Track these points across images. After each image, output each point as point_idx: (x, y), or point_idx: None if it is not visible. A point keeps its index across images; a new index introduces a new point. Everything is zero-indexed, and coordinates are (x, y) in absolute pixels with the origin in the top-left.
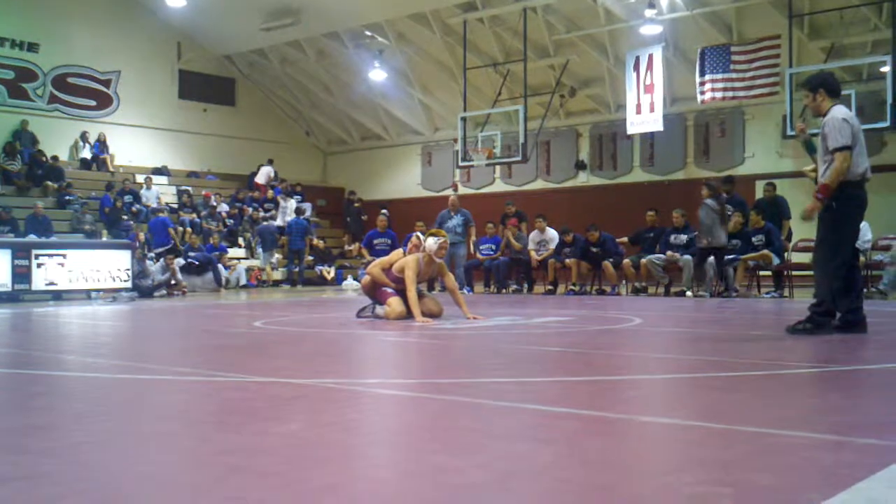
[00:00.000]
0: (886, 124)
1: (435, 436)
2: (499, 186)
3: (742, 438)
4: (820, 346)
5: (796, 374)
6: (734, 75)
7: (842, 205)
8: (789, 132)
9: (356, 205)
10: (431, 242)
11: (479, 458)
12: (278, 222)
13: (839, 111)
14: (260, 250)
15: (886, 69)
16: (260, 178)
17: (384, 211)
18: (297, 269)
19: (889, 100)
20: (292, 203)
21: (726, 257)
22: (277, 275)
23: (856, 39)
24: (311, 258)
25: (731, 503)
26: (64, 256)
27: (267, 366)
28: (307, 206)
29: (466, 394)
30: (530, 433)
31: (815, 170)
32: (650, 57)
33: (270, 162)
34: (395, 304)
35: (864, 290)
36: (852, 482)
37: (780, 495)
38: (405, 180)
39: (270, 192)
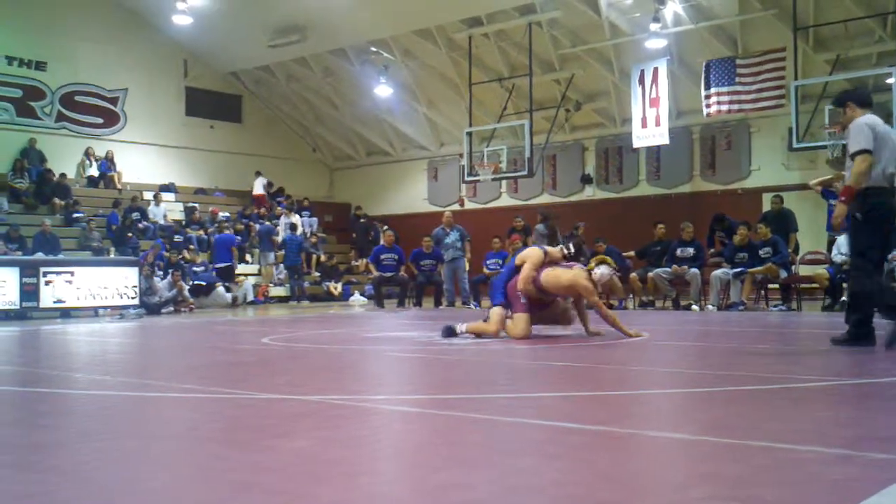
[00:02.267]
0: None
1: (442, 452)
2: (505, 201)
3: (750, 453)
4: (828, 359)
5: (805, 387)
6: (739, 88)
7: (865, 212)
8: (795, 144)
9: (361, 220)
10: (605, 271)
11: (486, 474)
12: (279, 237)
13: (864, 118)
14: (259, 251)
15: (892, 80)
16: (257, 191)
17: (385, 228)
18: (299, 285)
19: (895, 111)
20: (293, 218)
21: (734, 270)
22: (283, 291)
23: (861, 51)
24: (317, 274)
25: None
26: (72, 274)
27: (274, 382)
28: (312, 222)
29: (473, 409)
30: (537, 448)
31: (821, 182)
32: (655, 70)
33: (258, 174)
34: (522, 322)
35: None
36: (861, 497)
37: None
38: (411, 195)
39: (277, 208)
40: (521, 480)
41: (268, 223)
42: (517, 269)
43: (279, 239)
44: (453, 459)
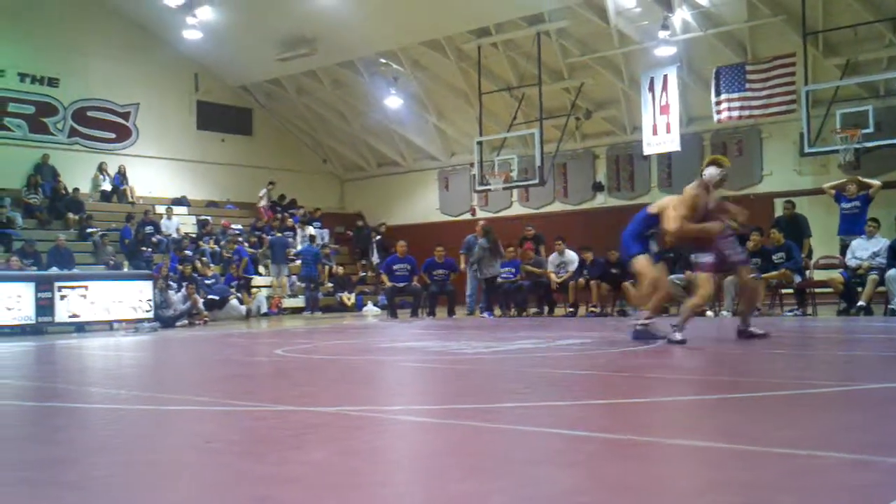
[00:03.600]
0: None
1: (457, 462)
2: (516, 210)
3: (767, 460)
4: (844, 364)
5: (820, 393)
6: (750, 94)
7: None
8: (807, 149)
9: (362, 228)
10: (713, 171)
11: (501, 484)
12: (296, 248)
13: None
14: (270, 263)
15: None
16: (261, 203)
17: (379, 236)
18: (313, 297)
19: None
20: (309, 230)
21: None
22: (296, 302)
23: (871, 56)
24: (330, 285)
25: None
26: (86, 288)
27: (289, 394)
28: (322, 234)
29: (488, 419)
30: (552, 458)
31: (833, 186)
32: (665, 78)
33: (271, 184)
34: (706, 282)
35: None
36: (881, 501)
37: None
38: (423, 205)
39: (289, 220)
40: (537, 490)
41: (280, 235)
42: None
43: (293, 250)
44: (469, 469)
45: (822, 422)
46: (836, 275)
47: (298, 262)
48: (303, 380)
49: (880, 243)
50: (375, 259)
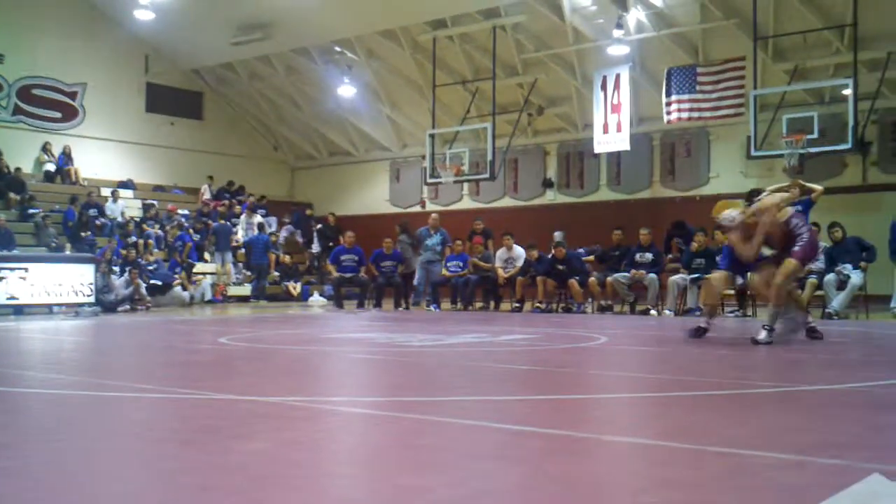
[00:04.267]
0: (848, 146)
1: (402, 455)
2: (466, 204)
3: (707, 459)
4: (782, 365)
5: (759, 393)
6: (700, 96)
7: None
8: (753, 152)
9: (319, 225)
10: (733, 214)
11: (446, 478)
12: (240, 237)
13: None
14: (214, 250)
15: (848, 92)
16: (205, 196)
17: (320, 225)
18: (260, 285)
19: (850, 122)
20: (256, 218)
21: (692, 276)
22: (242, 290)
23: (819, 62)
24: (276, 274)
25: None
26: (26, 270)
27: (231, 383)
28: (270, 221)
29: (433, 412)
30: (497, 452)
31: (777, 189)
32: (617, 77)
33: (210, 179)
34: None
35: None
36: (813, 501)
37: None
38: (373, 196)
39: (236, 206)
40: (481, 485)
41: (224, 222)
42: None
43: (238, 238)
44: (412, 462)
45: (761, 422)
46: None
47: (242, 249)
48: (246, 369)
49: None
50: (316, 248)
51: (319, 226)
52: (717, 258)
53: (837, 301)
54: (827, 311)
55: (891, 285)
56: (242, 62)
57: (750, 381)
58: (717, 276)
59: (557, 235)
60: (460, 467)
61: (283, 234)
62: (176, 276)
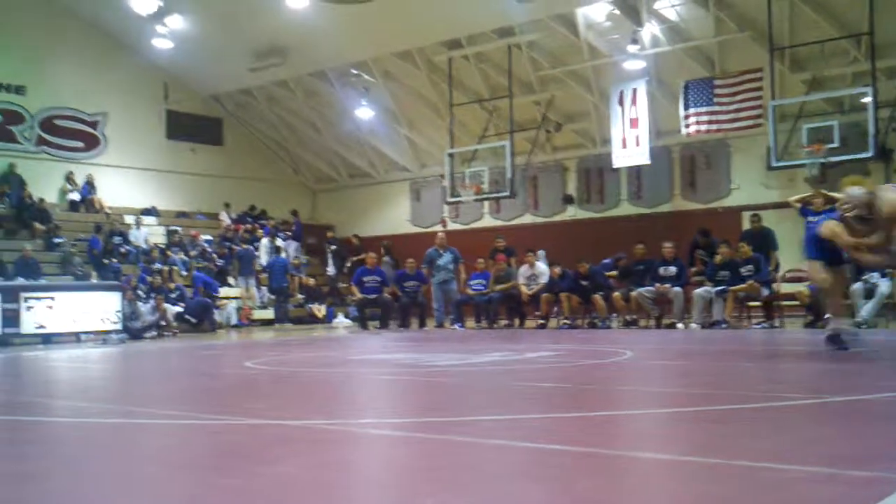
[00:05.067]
0: (870, 154)
1: (429, 476)
2: (487, 222)
3: (737, 473)
4: (811, 376)
5: (787, 405)
6: (718, 108)
7: None
8: (773, 163)
9: (332, 245)
10: (857, 191)
11: (474, 499)
12: (262, 260)
13: None
14: (238, 274)
15: (867, 100)
16: (225, 222)
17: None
18: (283, 308)
19: (871, 130)
20: (278, 241)
21: (717, 288)
22: (266, 314)
23: (836, 71)
24: (301, 296)
25: None
26: (52, 299)
27: (258, 407)
28: (291, 245)
29: (460, 432)
30: (524, 471)
31: (799, 200)
32: (634, 91)
33: (226, 206)
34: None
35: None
36: None
37: None
38: (394, 217)
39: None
40: (507, 503)
41: (245, 247)
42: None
43: (260, 262)
44: (439, 484)
45: (791, 435)
46: (802, 288)
47: (265, 273)
48: (272, 392)
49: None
50: (331, 270)
51: (333, 247)
52: (743, 270)
53: (866, 310)
54: (855, 320)
55: None
56: (260, 87)
57: (778, 394)
58: (814, 266)
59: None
60: (487, 487)
61: (292, 252)
62: (213, 301)
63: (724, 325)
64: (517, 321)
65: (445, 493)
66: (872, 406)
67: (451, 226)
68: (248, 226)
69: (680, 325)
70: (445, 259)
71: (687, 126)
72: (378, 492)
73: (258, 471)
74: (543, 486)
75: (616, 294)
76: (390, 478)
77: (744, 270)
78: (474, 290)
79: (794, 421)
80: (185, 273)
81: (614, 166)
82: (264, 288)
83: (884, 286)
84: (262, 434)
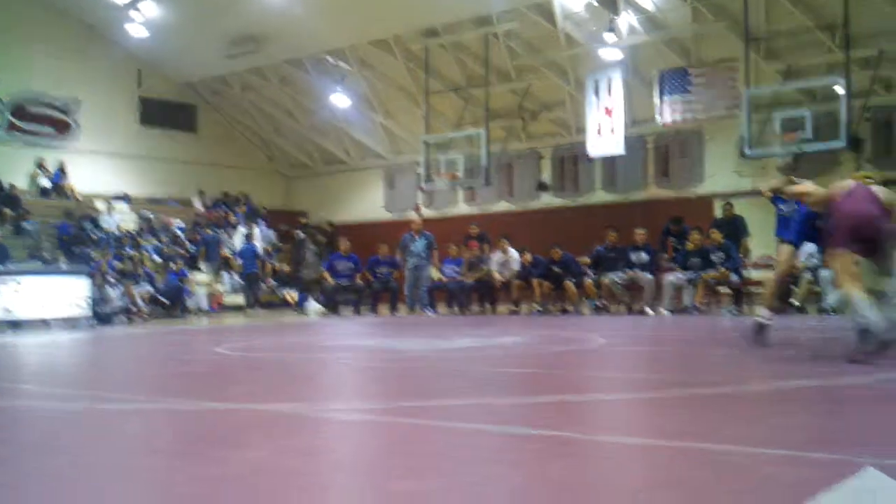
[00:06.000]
0: (842, 144)
1: (400, 461)
2: (462, 209)
3: (705, 458)
4: (779, 362)
5: (755, 391)
6: (693, 97)
7: None
8: (747, 152)
9: (299, 233)
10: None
11: (446, 483)
12: (236, 247)
13: None
14: (207, 261)
15: (840, 90)
16: (198, 209)
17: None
18: (254, 293)
19: (843, 120)
20: (252, 227)
21: (688, 275)
22: (237, 299)
23: (810, 61)
24: (273, 283)
25: None
26: (19, 283)
27: (228, 392)
28: (266, 232)
29: (431, 417)
30: (497, 456)
31: (772, 189)
32: (610, 80)
33: (201, 193)
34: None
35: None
36: (809, 497)
37: None
38: (368, 203)
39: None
40: (482, 489)
41: (212, 233)
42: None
43: (232, 248)
44: (410, 468)
45: (757, 420)
46: (772, 274)
47: (240, 260)
48: (242, 378)
49: (814, 244)
50: (311, 258)
51: (298, 232)
52: (714, 257)
53: (833, 297)
54: (823, 306)
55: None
56: (236, 74)
57: (746, 380)
58: (784, 249)
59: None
60: (458, 472)
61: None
62: (183, 283)
63: (694, 312)
64: (489, 307)
65: (415, 477)
66: (837, 392)
67: (426, 213)
68: (221, 212)
69: (650, 312)
70: (419, 245)
71: (662, 115)
72: (347, 476)
73: (229, 456)
74: (514, 470)
75: (588, 280)
76: (359, 462)
77: (715, 258)
78: (447, 276)
79: (761, 406)
80: (157, 259)
81: (589, 155)
82: (237, 274)
83: None
84: (234, 419)
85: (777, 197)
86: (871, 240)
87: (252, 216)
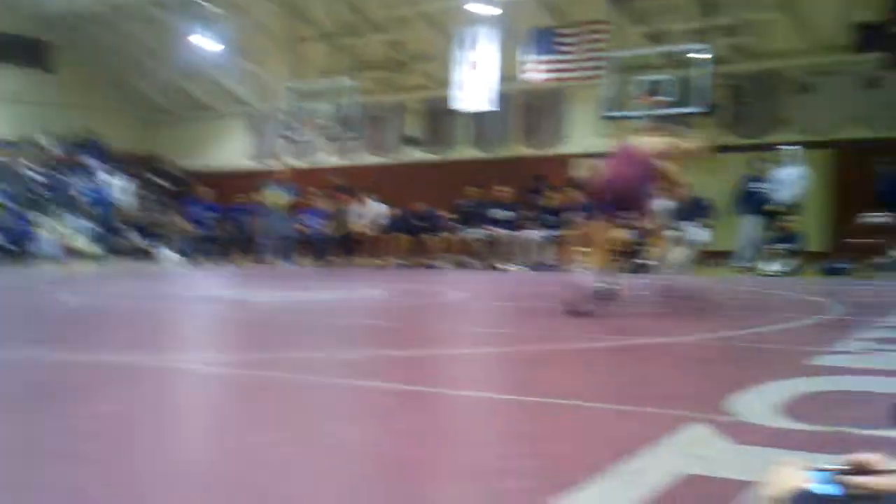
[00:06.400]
0: (698, 109)
1: (249, 413)
2: (327, 160)
3: (546, 411)
4: (626, 319)
5: (598, 347)
6: (559, 57)
7: None
8: (608, 113)
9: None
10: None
11: (293, 434)
12: (90, 192)
13: None
14: (56, 206)
15: (700, 56)
16: (54, 151)
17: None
18: (109, 242)
19: (701, 85)
20: (103, 175)
21: (547, 232)
22: (91, 247)
23: (675, 27)
24: (131, 230)
25: (534, 473)
26: None
27: (79, 343)
28: (122, 177)
29: (282, 369)
30: (345, 408)
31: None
32: (480, 35)
33: (50, 135)
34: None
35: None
36: (637, 448)
37: (575, 463)
38: (232, 151)
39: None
40: (328, 440)
41: (60, 177)
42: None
43: (84, 194)
44: (260, 419)
45: (598, 375)
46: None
47: (97, 206)
48: (94, 327)
49: (665, 204)
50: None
51: (157, 179)
52: (572, 214)
53: (673, 256)
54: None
55: (733, 241)
56: (96, 11)
57: (591, 336)
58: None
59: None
60: (308, 423)
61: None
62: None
63: (553, 269)
64: (351, 259)
65: (265, 428)
66: (674, 348)
67: (290, 162)
68: (72, 156)
69: (510, 267)
70: (281, 194)
71: (528, 73)
72: (198, 428)
73: (78, 410)
74: (364, 422)
75: (449, 235)
76: (211, 414)
77: (574, 216)
78: (309, 227)
79: (602, 361)
80: (4, 203)
81: (454, 108)
82: (91, 220)
83: (698, 235)
84: (83, 371)
85: None
86: (622, 201)
87: (102, 158)
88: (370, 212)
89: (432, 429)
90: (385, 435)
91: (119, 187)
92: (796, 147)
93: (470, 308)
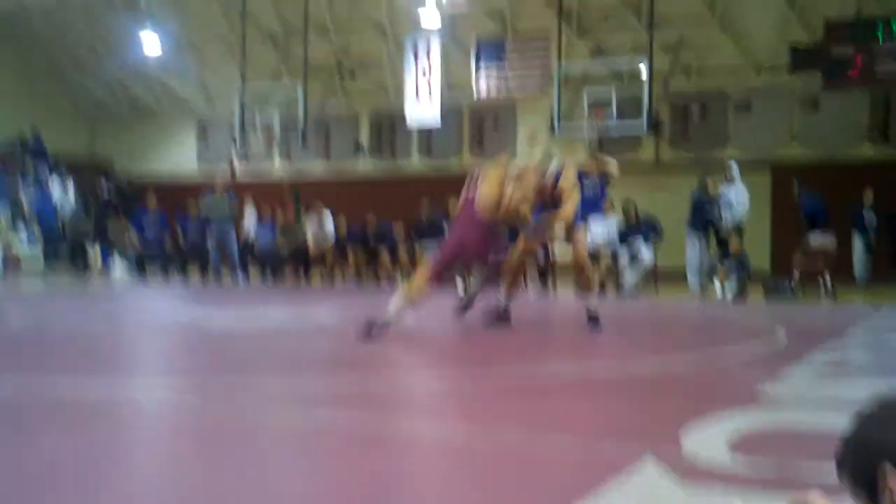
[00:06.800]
0: (642, 125)
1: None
2: (276, 167)
3: (488, 439)
4: (590, 347)
5: (556, 382)
6: (508, 69)
7: None
8: (557, 128)
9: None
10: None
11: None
12: (35, 196)
13: None
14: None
15: (643, 71)
16: None
17: None
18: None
19: (645, 102)
20: (51, 179)
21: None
22: (35, 258)
23: (618, 41)
24: (78, 240)
25: None
26: None
27: (23, 366)
28: (66, 183)
29: (221, 396)
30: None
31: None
32: (428, 44)
33: None
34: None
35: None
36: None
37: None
38: (179, 156)
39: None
40: (277, 476)
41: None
42: None
43: (29, 199)
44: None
45: (557, 406)
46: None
47: (38, 213)
48: (37, 352)
49: (612, 224)
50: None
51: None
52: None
53: (629, 280)
54: (620, 283)
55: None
56: (37, 6)
57: (553, 370)
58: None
59: None
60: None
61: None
62: None
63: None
64: (303, 276)
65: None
66: (625, 381)
67: (239, 168)
68: (13, 156)
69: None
70: (223, 205)
71: (477, 84)
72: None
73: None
74: (317, 462)
75: (402, 251)
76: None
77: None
78: (260, 240)
79: (562, 394)
80: None
81: (407, 124)
82: (33, 229)
83: (645, 254)
84: (26, 399)
85: (581, 174)
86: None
87: (46, 160)
88: (325, 225)
89: (387, 466)
90: (340, 473)
91: (63, 193)
92: (737, 164)
93: (421, 334)
